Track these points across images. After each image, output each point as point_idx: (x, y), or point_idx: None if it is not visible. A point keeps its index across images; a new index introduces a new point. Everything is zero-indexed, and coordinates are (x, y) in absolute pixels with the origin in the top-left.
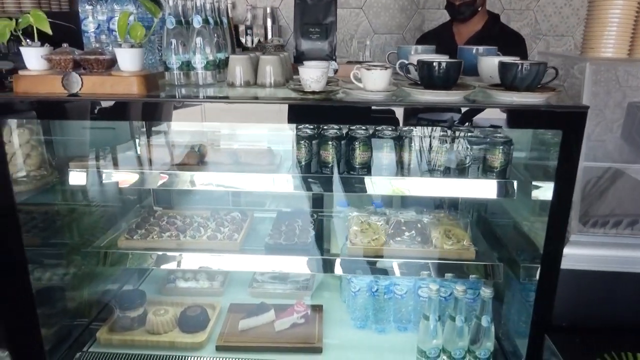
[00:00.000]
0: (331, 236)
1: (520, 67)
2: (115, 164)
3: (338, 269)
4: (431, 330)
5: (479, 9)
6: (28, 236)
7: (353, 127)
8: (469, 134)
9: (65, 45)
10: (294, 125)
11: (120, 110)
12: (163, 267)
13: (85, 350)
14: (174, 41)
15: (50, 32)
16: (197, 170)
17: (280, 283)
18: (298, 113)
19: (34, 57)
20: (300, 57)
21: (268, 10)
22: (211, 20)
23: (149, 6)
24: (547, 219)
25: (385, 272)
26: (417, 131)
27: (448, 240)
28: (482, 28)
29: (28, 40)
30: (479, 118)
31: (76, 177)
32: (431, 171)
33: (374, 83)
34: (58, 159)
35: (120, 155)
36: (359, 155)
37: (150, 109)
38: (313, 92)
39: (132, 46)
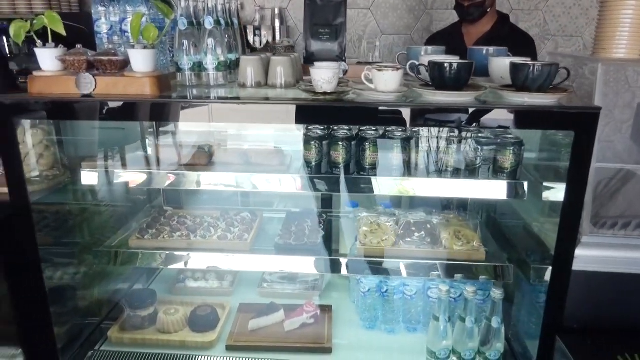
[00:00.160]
0: (340, 237)
1: (532, 68)
2: (126, 164)
3: (347, 270)
4: (441, 331)
5: (488, 10)
6: (41, 235)
7: (363, 128)
8: (480, 134)
9: (79, 46)
10: (303, 126)
11: (132, 110)
12: (174, 266)
13: (97, 348)
14: (185, 42)
15: (64, 33)
16: (208, 170)
17: (290, 283)
18: (306, 114)
19: (48, 58)
20: (310, 58)
21: (276, 11)
22: (222, 22)
23: (161, 7)
24: (557, 220)
25: (394, 272)
26: (428, 132)
27: (458, 241)
28: (492, 28)
29: (39, 41)
30: (489, 119)
31: (88, 177)
32: (441, 172)
33: (385, 84)
34: (70, 159)
35: (131, 155)
36: (370, 156)
37: (162, 109)
38: (324, 93)
39: (145, 47)
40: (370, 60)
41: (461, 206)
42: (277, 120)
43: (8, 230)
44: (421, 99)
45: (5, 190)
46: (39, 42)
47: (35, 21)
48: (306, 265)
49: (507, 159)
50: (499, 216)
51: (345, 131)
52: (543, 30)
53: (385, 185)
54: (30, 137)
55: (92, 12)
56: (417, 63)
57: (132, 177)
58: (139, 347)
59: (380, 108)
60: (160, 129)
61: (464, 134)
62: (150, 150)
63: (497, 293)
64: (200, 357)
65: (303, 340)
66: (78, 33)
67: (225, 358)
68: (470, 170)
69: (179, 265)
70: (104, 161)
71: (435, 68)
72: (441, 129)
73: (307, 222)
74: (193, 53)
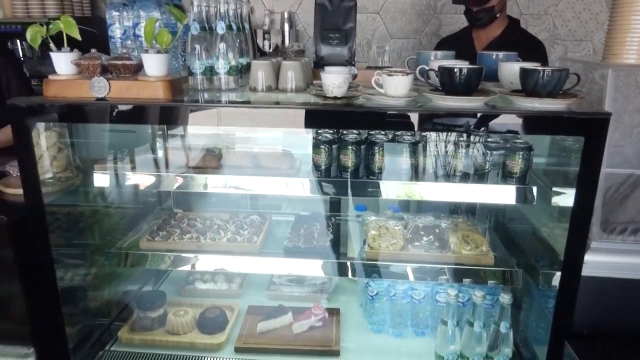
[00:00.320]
0: (349, 240)
1: (542, 73)
2: (138, 167)
3: (355, 273)
4: (449, 336)
5: (498, 15)
6: (53, 237)
7: (372, 132)
8: (489, 139)
9: (93, 50)
10: (312, 130)
11: (144, 114)
12: (184, 268)
13: (107, 349)
14: (197, 47)
15: (79, 38)
16: (218, 173)
17: (298, 286)
18: (316, 118)
19: (63, 62)
20: (319, 62)
21: (286, 15)
22: (234, 26)
23: (175, 13)
24: (567, 225)
25: (402, 276)
26: (437, 136)
27: (466, 245)
28: (502, 33)
29: (52, 45)
30: (499, 124)
31: (100, 179)
32: (450, 176)
33: (395, 89)
34: (82, 161)
35: (142, 157)
36: (379, 160)
37: (173, 112)
38: (335, 98)
39: (158, 52)
40: (380, 65)
41: (470, 211)
42: (287, 124)
43: (22, 231)
44: (431, 103)
45: (20, 191)
46: (52, 46)
47: (51, 26)
48: (314, 268)
49: (516, 164)
50: (508, 221)
51: (355, 135)
52: (552, 35)
53: (393, 189)
54: (44, 139)
55: (107, 16)
56: (427, 68)
57: (144, 179)
58: (148, 348)
59: (389, 112)
60: (171, 131)
61: (472, 139)
62: (161, 153)
63: (505, 298)
64: (209, 358)
65: (311, 343)
66: (90, 37)
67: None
68: (479, 175)
69: (189, 267)
70: (115, 163)
71: (445, 73)
72: (451, 133)
73: (316, 226)
74: (205, 57)
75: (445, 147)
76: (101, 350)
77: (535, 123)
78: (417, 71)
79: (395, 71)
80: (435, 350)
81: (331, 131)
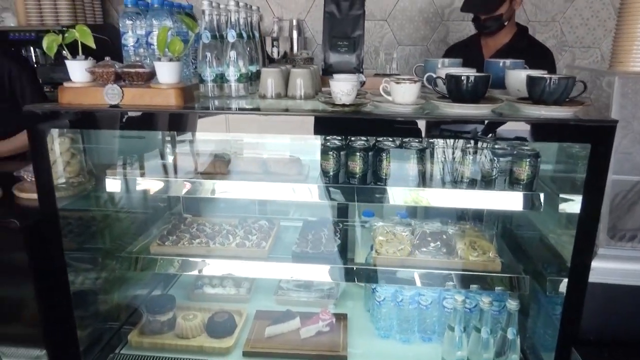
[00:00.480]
0: (356, 246)
1: (548, 81)
2: (148, 172)
3: (363, 278)
4: (456, 342)
5: (506, 24)
6: (65, 241)
7: (380, 139)
8: (496, 146)
9: (107, 58)
10: (320, 136)
11: (156, 120)
12: (193, 273)
13: (117, 352)
14: (208, 54)
15: (94, 46)
16: (228, 179)
17: (305, 291)
18: (325, 125)
19: (78, 70)
20: (328, 70)
21: (294, 23)
22: (244, 34)
23: (187, 22)
24: (574, 232)
25: (410, 282)
26: (444, 143)
27: (473, 251)
28: (510, 41)
29: (65, 52)
30: (506, 130)
31: (112, 184)
32: (458, 182)
33: (403, 96)
34: (93, 167)
35: (152, 163)
36: (386, 166)
37: (184, 119)
38: (343, 105)
39: (170, 60)
40: (388, 72)
41: (477, 217)
42: (296, 131)
43: (36, 235)
44: (438, 111)
45: (34, 196)
46: (65, 53)
47: (66, 34)
48: (322, 273)
49: (524, 171)
50: (515, 227)
51: (363, 142)
52: (560, 42)
53: (401, 195)
54: (58, 145)
55: (120, 25)
56: (434, 75)
57: (155, 184)
58: (157, 352)
59: (397, 119)
60: (181, 137)
61: (480, 145)
62: (171, 159)
63: (512, 304)
64: None
65: (319, 347)
66: (102, 44)
67: None
68: (486, 182)
69: (198, 272)
70: (126, 169)
71: (452, 81)
72: (458, 140)
73: (324, 231)
74: (216, 65)
75: (453, 153)
76: (111, 353)
77: (542, 130)
78: (424, 79)
79: (403, 79)
80: (442, 356)
81: (339, 138)
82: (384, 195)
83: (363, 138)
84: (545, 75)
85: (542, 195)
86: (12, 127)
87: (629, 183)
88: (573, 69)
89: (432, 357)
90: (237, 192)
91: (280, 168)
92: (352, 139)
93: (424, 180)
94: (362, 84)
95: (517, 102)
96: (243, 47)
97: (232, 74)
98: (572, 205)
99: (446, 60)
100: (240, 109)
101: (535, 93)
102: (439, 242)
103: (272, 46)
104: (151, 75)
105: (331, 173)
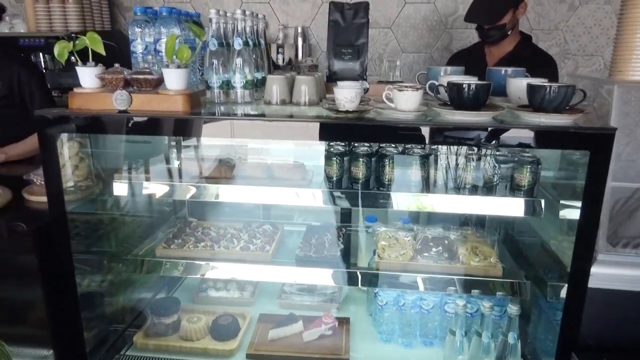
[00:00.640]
0: (359, 250)
1: (548, 89)
2: (155, 177)
3: (365, 283)
4: (457, 346)
5: (509, 33)
6: (73, 243)
7: (383, 145)
8: (497, 152)
9: (116, 65)
10: (323, 142)
11: (164, 125)
12: (198, 276)
13: (123, 353)
14: (215, 62)
15: (104, 53)
16: (233, 183)
17: (308, 295)
18: (329, 131)
19: (88, 76)
20: (332, 77)
21: (299, 30)
22: (250, 42)
23: (195, 30)
24: (574, 238)
25: (412, 286)
26: (446, 149)
27: (475, 257)
28: (514, 49)
29: (73, 59)
30: (508, 137)
31: (119, 188)
32: (459, 189)
33: (405, 103)
34: (101, 171)
35: (159, 167)
36: (389, 172)
37: (190, 124)
38: (347, 112)
39: (178, 66)
40: (391, 79)
41: (479, 223)
42: (300, 137)
43: (45, 237)
44: (440, 118)
45: (43, 199)
46: (73, 59)
47: (77, 41)
48: (325, 277)
49: (524, 177)
50: (517, 234)
51: (366, 148)
52: (563, 50)
53: (403, 200)
54: (67, 149)
55: (129, 33)
56: (437, 83)
57: (161, 189)
58: (162, 353)
59: (398, 126)
60: (187, 142)
61: (481, 152)
62: (177, 164)
63: (513, 309)
64: None
65: (321, 351)
66: (110, 50)
67: None
68: (487, 188)
69: (203, 275)
70: (133, 173)
71: (454, 89)
72: (459, 146)
73: (327, 236)
74: (222, 72)
75: (456, 160)
76: (117, 354)
77: (542, 138)
78: (427, 86)
79: (406, 86)
80: None
81: (343, 144)
82: (386, 201)
83: (366, 144)
84: (545, 84)
85: (542, 202)
86: (21, 132)
87: (629, 190)
88: (574, 77)
89: None
90: (242, 197)
91: (285, 173)
92: (355, 145)
93: (426, 186)
94: (366, 91)
95: (517, 109)
96: (249, 55)
97: (238, 80)
98: (573, 211)
99: (448, 68)
100: (245, 115)
101: (536, 101)
102: (440, 248)
103: (278, 53)
104: (159, 82)
105: (334, 178)
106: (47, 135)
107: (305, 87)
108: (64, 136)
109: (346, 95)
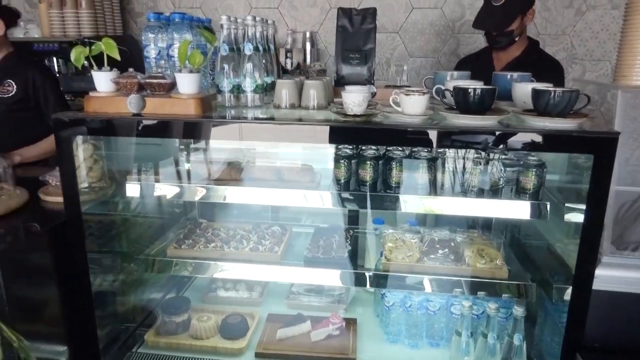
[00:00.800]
0: (366, 252)
1: (552, 94)
2: (166, 179)
3: (372, 284)
4: (463, 347)
5: (517, 38)
6: (86, 243)
7: (390, 148)
8: (503, 156)
9: (131, 70)
10: (331, 145)
11: (176, 128)
12: (208, 275)
13: (135, 350)
14: (226, 66)
15: (119, 58)
16: (243, 186)
17: (316, 296)
18: (337, 134)
19: (103, 80)
20: (340, 81)
21: (307, 35)
22: (260, 47)
23: (207, 35)
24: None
25: (418, 288)
26: (452, 153)
27: (481, 259)
28: (521, 54)
29: (86, 63)
30: (513, 141)
31: (132, 190)
32: (465, 191)
33: (412, 107)
34: (114, 173)
35: (170, 170)
36: (396, 175)
37: (203, 127)
38: (354, 115)
39: (190, 71)
40: (398, 84)
41: (485, 226)
42: (308, 140)
43: (60, 237)
44: (445, 121)
45: (58, 199)
46: (87, 64)
47: (93, 47)
48: (333, 277)
49: (530, 181)
50: (523, 237)
51: (373, 151)
52: (570, 55)
53: (410, 203)
54: (81, 151)
55: (142, 38)
56: (443, 88)
57: (173, 190)
58: (173, 351)
59: (406, 129)
60: (197, 145)
61: (487, 156)
62: (188, 166)
63: (519, 310)
64: None
65: (329, 350)
66: (122, 54)
67: None
68: (493, 191)
69: (213, 274)
70: (145, 175)
71: (460, 93)
72: (466, 150)
73: (335, 237)
74: (233, 76)
75: (464, 163)
76: (128, 351)
77: (547, 141)
78: (433, 91)
79: (412, 91)
80: None
81: (350, 147)
82: (393, 203)
83: (373, 147)
84: (549, 88)
85: (548, 205)
86: (35, 134)
87: (635, 194)
88: (580, 82)
89: None
90: (252, 198)
91: (294, 176)
92: (363, 148)
93: (432, 188)
94: (373, 95)
95: (522, 113)
96: (259, 60)
97: (248, 85)
98: (578, 214)
99: (455, 72)
100: (255, 119)
101: (540, 105)
102: (447, 250)
103: (286, 57)
104: (172, 86)
105: (342, 181)
106: (64, 138)
107: (314, 91)
108: (79, 138)
109: (354, 99)
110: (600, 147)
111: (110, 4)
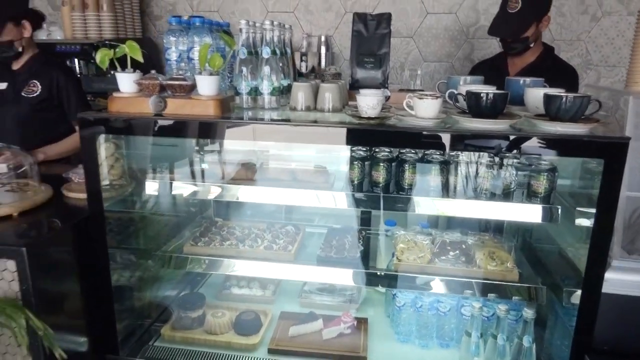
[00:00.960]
0: (378, 253)
1: (564, 99)
2: (184, 178)
3: (384, 284)
4: (473, 348)
5: (532, 45)
6: (107, 239)
7: (403, 150)
8: (514, 160)
9: (153, 72)
10: (344, 147)
11: (195, 128)
12: (223, 272)
13: (151, 344)
14: (244, 69)
15: (142, 60)
16: (260, 185)
17: (328, 295)
18: (351, 136)
19: (126, 81)
20: (355, 85)
21: (322, 39)
22: (277, 51)
23: (226, 39)
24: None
25: (429, 289)
26: (464, 156)
27: (492, 261)
28: (536, 60)
29: (104, 66)
30: (525, 145)
31: (151, 188)
32: (477, 194)
33: (425, 111)
34: (133, 171)
35: (188, 169)
36: (409, 177)
37: (221, 128)
38: (369, 118)
39: (210, 74)
40: (412, 88)
41: (497, 229)
42: (324, 141)
43: (84, 233)
44: (458, 125)
45: (80, 196)
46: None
47: (117, 49)
48: (346, 277)
49: (541, 184)
50: (535, 241)
51: (386, 153)
52: (585, 61)
53: (422, 204)
54: (103, 150)
55: (164, 41)
56: (456, 92)
57: (191, 189)
58: (188, 345)
59: (419, 133)
60: (216, 146)
61: (499, 160)
62: (205, 166)
63: (528, 312)
64: (244, 358)
65: (340, 348)
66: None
67: None
68: (505, 194)
69: (228, 272)
70: (163, 174)
71: (472, 97)
72: (478, 153)
73: (347, 238)
74: (250, 79)
75: (477, 167)
76: (145, 345)
77: (558, 146)
78: (446, 95)
79: (425, 95)
80: None
81: (364, 149)
82: (405, 205)
83: (387, 149)
84: (561, 94)
85: (559, 209)
86: (58, 133)
87: None
88: (593, 88)
89: None
90: (268, 198)
91: (308, 177)
92: (377, 150)
93: (444, 190)
94: (387, 98)
95: (534, 118)
96: (276, 63)
97: (265, 87)
98: (589, 218)
99: (468, 77)
100: (272, 120)
101: (552, 110)
102: (458, 252)
103: (301, 61)
104: (192, 88)
105: (356, 182)
106: (88, 136)
107: (329, 94)
108: (102, 137)
109: (368, 102)
110: (611, 152)
111: (130, 7)
